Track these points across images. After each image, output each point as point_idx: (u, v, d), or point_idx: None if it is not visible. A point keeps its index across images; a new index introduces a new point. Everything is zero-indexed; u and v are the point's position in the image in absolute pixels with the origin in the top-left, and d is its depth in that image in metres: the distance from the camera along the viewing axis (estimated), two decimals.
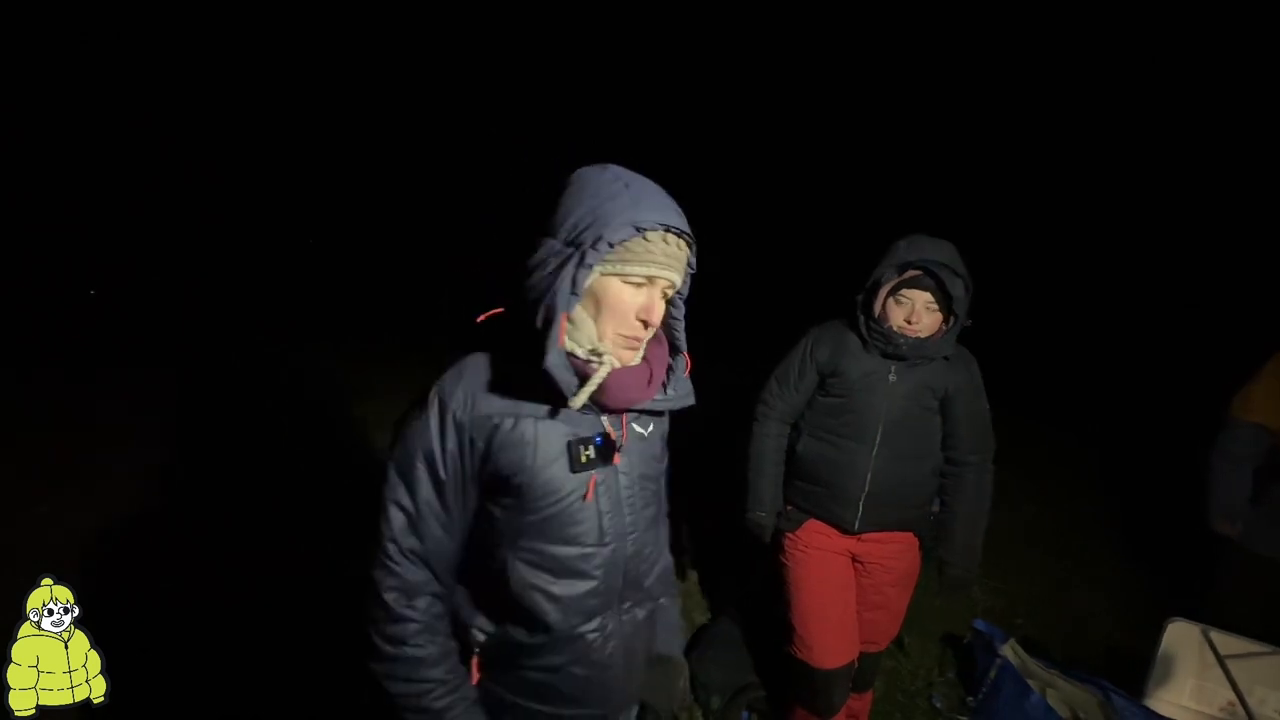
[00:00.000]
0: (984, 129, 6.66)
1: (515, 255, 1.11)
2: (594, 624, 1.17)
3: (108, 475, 3.37)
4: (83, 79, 6.25)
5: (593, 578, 1.14)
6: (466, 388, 1.08)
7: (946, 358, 2.01)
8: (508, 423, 1.08)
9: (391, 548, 1.08)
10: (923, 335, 1.96)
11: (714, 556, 3.25)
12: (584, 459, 1.11)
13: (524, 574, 1.11)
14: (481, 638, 1.17)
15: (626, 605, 1.21)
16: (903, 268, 1.92)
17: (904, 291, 1.93)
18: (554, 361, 1.01)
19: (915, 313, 1.93)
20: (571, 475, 1.11)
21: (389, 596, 1.08)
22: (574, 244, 1.02)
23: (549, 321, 1.01)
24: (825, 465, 2.08)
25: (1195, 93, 5.48)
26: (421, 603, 1.10)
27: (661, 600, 1.34)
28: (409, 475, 1.08)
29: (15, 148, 5.77)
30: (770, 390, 2.17)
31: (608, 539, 1.15)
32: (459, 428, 1.07)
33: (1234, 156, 5.36)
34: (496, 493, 1.11)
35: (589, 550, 1.14)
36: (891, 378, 2.00)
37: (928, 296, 1.92)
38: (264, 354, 5.14)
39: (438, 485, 1.08)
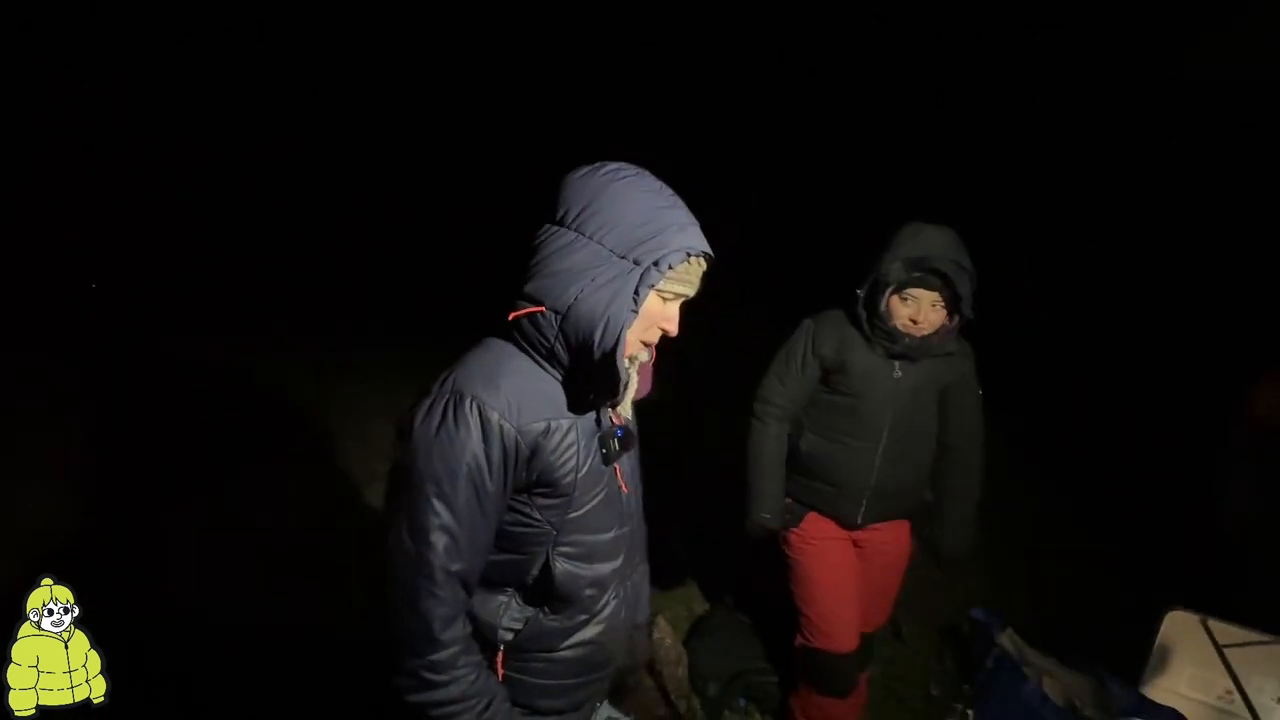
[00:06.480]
0: (977, 119, 6.56)
1: (527, 253, 1.08)
2: (610, 593, 1.25)
3: (108, 475, 3.33)
4: (80, 78, 6.18)
5: (617, 557, 1.24)
6: (508, 395, 1.04)
7: (950, 352, 1.99)
8: (554, 427, 1.09)
9: (439, 575, 1.01)
10: (927, 333, 1.91)
11: (710, 546, 3.25)
12: (613, 451, 1.18)
13: (565, 566, 1.15)
14: (509, 636, 1.16)
15: (628, 573, 1.30)
16: (910, 266, 1.83)
17: (910, 290, 1.86)
18: (623, 372, 1.06)
19: (921, 311, 1.87)
20: (604, 468, 1.18)
21: (436, 626, 1.02)
22: (635, 261, 1.03)
23: (610, 333, 1.02)
24: (832, 464, 2.05)
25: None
26: (460, 625, 1.06)
27: (641, 566, 1.41)
28: (449, 492, 1.00)
29: (12, 144, 5.70)
30: (770, 388, 2.10)
31: (625, 521, 1.25)
32: (504, 436, 1.02)
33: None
34: (541, 495, 1.10)
35: (616, 533, 1.23)
36: (897, 374, 1.97)
37: (935, 295, 1.85)
38: (260, 353, 5.04)
39: (481, 496, 1.03)
